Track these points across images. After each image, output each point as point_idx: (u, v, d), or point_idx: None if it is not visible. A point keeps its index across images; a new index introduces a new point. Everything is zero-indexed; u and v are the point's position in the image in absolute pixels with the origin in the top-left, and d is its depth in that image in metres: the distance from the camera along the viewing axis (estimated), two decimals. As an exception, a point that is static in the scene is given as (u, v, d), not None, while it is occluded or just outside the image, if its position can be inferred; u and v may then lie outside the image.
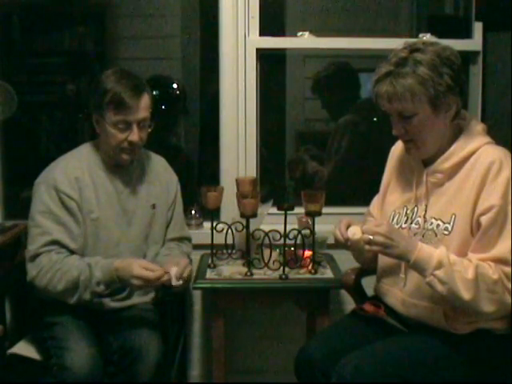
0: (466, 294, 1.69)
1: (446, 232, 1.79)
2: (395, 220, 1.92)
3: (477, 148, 1.80)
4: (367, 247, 1.75)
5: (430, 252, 1.73)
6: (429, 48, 1.78)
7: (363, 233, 1.75)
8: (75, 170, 2.15)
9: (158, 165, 2.37)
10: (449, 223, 1.79)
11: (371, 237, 1.73)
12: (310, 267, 2.34)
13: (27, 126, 3.13)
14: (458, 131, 1.85)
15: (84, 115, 3.06)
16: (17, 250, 2.55)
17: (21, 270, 2.36)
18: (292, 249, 2.34)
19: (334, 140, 3.09)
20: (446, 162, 1.82)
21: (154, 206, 2.27)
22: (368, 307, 1.98)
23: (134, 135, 2.10)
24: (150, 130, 2.17)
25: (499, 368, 1.82)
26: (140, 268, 1.97)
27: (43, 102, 3.20)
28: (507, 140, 1.87)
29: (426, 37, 2.72)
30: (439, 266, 1.70)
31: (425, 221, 1.84)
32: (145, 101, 2.11)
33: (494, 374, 1.82)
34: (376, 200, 2.10)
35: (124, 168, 2.22)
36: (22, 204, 2.90)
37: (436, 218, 1.82)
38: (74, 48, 3.22)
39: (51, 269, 2.04)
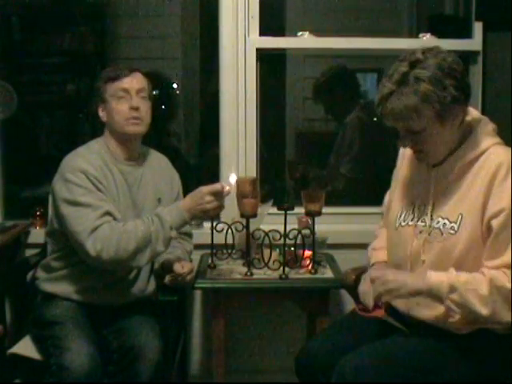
0: (483, 310, 1.68)
1: (452, 231, 1.78)
2: (402, 217, 1.92)
3: (486, 148, 1.78)
4: (383, 299, 1.83)
5: (440, 278, 1.72)
6: (429, 61, 1.72)
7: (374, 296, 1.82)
8: (96, 160, 2.17)
9: (162, 161, 2.41)
10: (455, 222, 1.78)
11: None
12: (309, 267, 2.34)
13: (27, 126, 3.13)
14: (468, 131, 1.83)
15: (84, 115, 3.07)
16: (17, 249, 2.56)
17: (21, 270, 2.37)
18: (292, 249, 2.33)
19: (344, 139, 3.07)
20: (455, 162, 1.81)
21: (159, 200, 2.30)
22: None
23: (134, 101, 2.17)
24: (151, 103, 2.24)
25: (499, 368, 1.81)
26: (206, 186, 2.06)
27: (43, 102, 3.20)
28: (507, 140, 1.85)
29: (426, 37, 2.72)
30: (452, 289, 1.70)
31: (431, 219, 1.84)
32: (138, 75, 2.22)
33: (495, 374, 1.81)
34: (387, 198, 2.10)
35: (132, 163, 2.25)
36: (22, 204, 2.91)
37: (443, 216, 1.81)
38: (74, 48, 3.22)
39: (115, 234, 2.04)
